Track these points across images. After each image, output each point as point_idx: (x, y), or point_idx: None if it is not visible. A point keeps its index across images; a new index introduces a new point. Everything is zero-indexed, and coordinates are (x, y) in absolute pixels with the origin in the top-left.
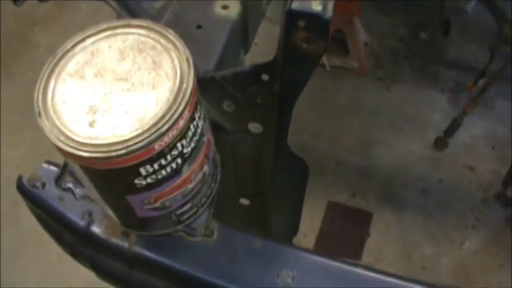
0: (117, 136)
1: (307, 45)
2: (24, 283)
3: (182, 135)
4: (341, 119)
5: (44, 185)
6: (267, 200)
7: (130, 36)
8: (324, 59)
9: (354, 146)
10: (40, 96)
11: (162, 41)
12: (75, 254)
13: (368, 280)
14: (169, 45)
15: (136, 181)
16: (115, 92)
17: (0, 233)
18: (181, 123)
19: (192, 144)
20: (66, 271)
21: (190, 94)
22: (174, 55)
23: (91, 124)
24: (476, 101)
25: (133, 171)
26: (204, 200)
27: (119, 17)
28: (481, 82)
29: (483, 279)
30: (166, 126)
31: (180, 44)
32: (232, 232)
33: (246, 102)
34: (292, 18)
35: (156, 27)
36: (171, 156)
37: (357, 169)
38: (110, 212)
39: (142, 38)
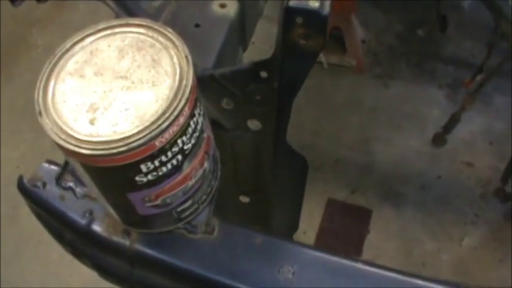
0: (118, 133)
1: (305, 42)
2: (25, 284)
3: (182, 132)
4: (339, 116)
5: (44, 184)
6: (267, 197)
7: (129, 35)
8: (322, 57)
9: (352, 143)
10: (40, 95)
11: (161, 39)
12: (77, 253)
13: (368, 275)
14: (168, 43)
15: (137, 178)
16: (115, 90)
17: (1, 233)
18: (181, 119)
19: (193, 141)
20: (67, 271)
21: (190, 91)
22: (173, 53)
23: (91, 122)
24: (474, 97)
25: (134, 168)
26: (204, 197)
27: (117, 16)
28: (478, 78)
29: (483, 274)
30: (166, 123)
31: (178, 41)
32: (233, 229)
33: (245, 100)
34: (290, 15)
35: (155, 25)
36: (172, 152)
37: (356, 166)
38: (111, 210)
39: (141, 37)
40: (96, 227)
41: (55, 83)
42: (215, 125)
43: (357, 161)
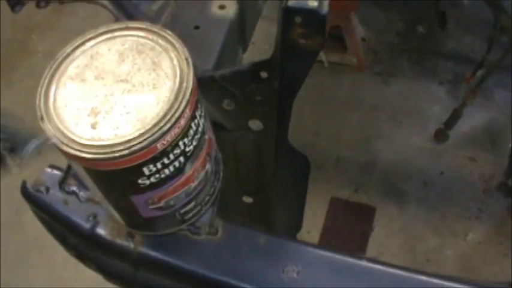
0: (120, 137)
1: (304, 41)
2: None
3: (184, 134)
4: (340, 115)
5: (48, 189)
6: (269, 196)
7: (129, 39)
8: (322, 56)
9: (354, 142)
10: (42, 100)
11: (161, 41)
12: (81, 257)
13: (373, 272)
14: (168, 46)
15: (139, 181)
16: (116, 93)
17: (5, 239)
18: (182, 121)
19: (194, 143)
20: (72, 275)
21: (191, 93)
22: (173, 55)
23: (93, 126)
24: (475, 92)
25: (137, 171)
26: (207, 198)
27: (117, 20)
28: (479, 73)
29: (487, 269)
30: (168, 125)
31: (178, 44)
32: (237, 229)
33: (246, 100)
34: (288, 14)
35: (154, 28)
36: (174, 155)
37: (358, 164)
38: (115, 213)
39: (141, 40)
40: (100, 231)
41: (56, 88)
42: (217, 126)
43: (358, 159)
